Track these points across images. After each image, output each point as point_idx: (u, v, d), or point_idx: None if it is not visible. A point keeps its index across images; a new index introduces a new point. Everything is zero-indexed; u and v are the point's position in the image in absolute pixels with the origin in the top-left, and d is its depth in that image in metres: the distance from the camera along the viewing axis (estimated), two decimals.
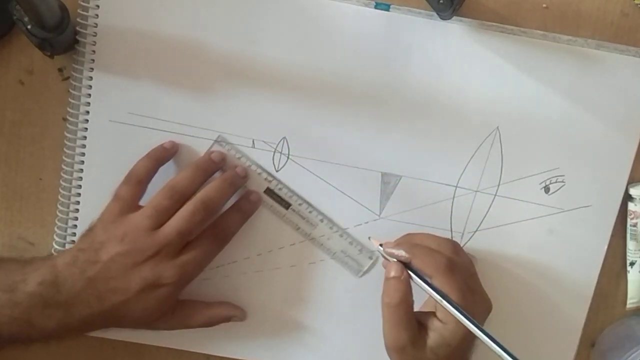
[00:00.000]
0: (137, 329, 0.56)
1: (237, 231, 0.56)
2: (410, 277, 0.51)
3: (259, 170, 0.57)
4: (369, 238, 0.54)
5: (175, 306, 0.55)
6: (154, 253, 0.52)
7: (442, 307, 0.49)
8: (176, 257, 0.53)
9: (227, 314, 0.57)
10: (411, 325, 0.50)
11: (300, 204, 0.57)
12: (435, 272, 0.50)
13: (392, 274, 0.51)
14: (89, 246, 0.53)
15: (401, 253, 0.51)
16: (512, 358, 0.47)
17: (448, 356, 0.49)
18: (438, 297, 0.49)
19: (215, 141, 0.57)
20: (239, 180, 0.56)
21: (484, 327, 0.48)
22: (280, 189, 0.57)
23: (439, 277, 0.50)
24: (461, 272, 0.51)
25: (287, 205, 0.57)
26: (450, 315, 0.49)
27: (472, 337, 0.50)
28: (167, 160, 0.57)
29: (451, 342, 0.49)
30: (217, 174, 0.57)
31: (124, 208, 0.53)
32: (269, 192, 0.57)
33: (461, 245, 0.57)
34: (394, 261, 0.51)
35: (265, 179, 0.57)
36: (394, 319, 0.50)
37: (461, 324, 0.49)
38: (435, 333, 0.50)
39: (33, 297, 0.51)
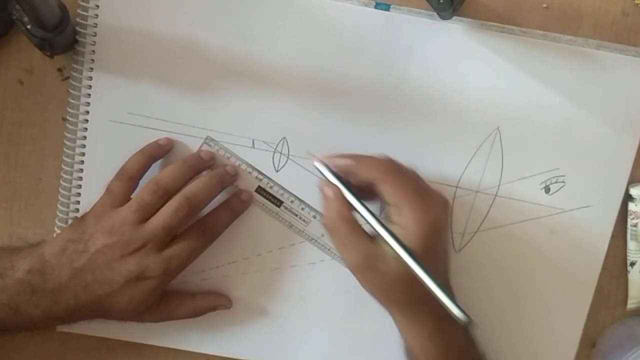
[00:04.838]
0: (124, 320, 0.56)
1: (225, 229, 0.56)
2: (348, 198, 0.50)
3: (249, 169, 0.57)
4: (309, 154, 0.53)
5: (161, 298, 0.56)
6: (139, 246, 0.52)
7: (397, 211, 0.48)
8: (162, 250, 0.53)
9: (213, 303, 0.58)
10: (361, 242, 0.49)
11: (292, 201, 0.57)
12: (384, 174, 0.49)
13: (330, 193, 0.50)
14: (79, 237, 0.53)
15: (347, 162, 0.50)
16: (450, 301, 0.46)
17: (422, 254, 0.47)
18: (372, 220, 0.48)
19: (204, 142, 0.57)
20: (227, 178, 0.56)
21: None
22: (271, 187, 0.57)
23: (388, 179, 0.48)
24: (409, 172, 0.50)
25: (279, 202, 0.57)
26: (408, 218, 0.47)
27: (439, 233, 0.48)
28: (161, 156, 0.57)
29: (415, 245, 0.48)
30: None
31: (115, 202, 0.54)
32: (261, 190, 0.57)
33: (462, 245, 0.57)
34: (330, 181, 0.50)
35: (256, 177, 0.57)
36: (340, 240, 0.49)
37: (421, 223, 0.47)
38: None
39: (21, 284, 0.52)
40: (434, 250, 0.49)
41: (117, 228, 0.52)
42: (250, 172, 0.57)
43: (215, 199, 0.56)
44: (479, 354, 0.53)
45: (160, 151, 0.56)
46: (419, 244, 0.48)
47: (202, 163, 0.56)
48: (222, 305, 0.58)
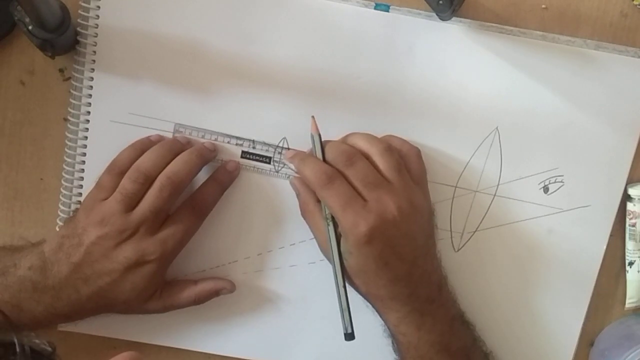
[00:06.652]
0: (129, 312, 0.56)
1: (215, 203, 0.57)
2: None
3: (227, 139, 0.57)
4: (312, 118, 0.55)
5: (164, 287, 0.56)
6: (132, 232, 0.53)
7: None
8: (156, 233, 0.53)
9: (215, 287, 0.57)
10: (322, 233, 0.53)
11: (280, 153, 0.57)
12: (316, 188, 0.52)
13: (296, 189, 0.56)
14: (72, 232, 0.54)
15: (294, 163, 0.55)
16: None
17: (361, 262, 0.51)
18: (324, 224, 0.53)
19: (175, 130, 0.57)
20: (206, 152, 0.56)
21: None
22: (254, 147, 0.57)
23: (320, 194, 0.52)
24: (342, 183, 0.51)
25: (267, 159, 0.57)
26: (342, 231, 0.51)
27: (375, 242, 0.50)
28: None
29: (349, 253, 0.51)
30: None
31: (103, 195, 0.54)
32: (246, 154, 0.57)
33: (461, 245, 0.58)
34: (296, 175, 0.56)
35: (237, 144, 0.57)
36: (311, 229, 0.55)
37: (351, 238, 0.50)
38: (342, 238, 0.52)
39: (23, 281, 0.53)
40: (371, 259, 0.51)
41: (107, 218, 0.53)
42: (229, 142, 0.57)
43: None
44: (465, 344, 0.54)
45: (150, 146, 0.56)
46: (353, 253, 0.51)
47: (180, 145, 0.56)
48: (224, 288, 0.58)
